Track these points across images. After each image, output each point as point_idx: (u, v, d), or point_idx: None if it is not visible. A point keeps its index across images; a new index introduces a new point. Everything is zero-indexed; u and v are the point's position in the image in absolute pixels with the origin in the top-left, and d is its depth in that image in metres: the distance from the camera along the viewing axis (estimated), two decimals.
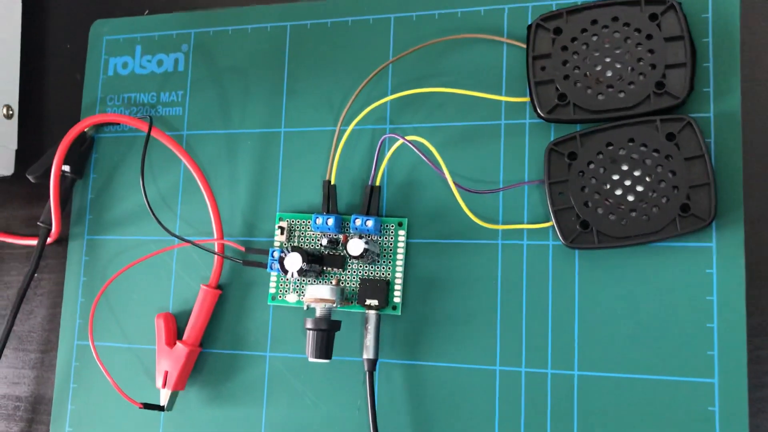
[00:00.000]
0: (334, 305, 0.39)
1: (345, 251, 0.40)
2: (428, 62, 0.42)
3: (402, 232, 0.41)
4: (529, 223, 0.39)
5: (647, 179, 0.37)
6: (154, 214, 0.42)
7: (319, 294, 0.39)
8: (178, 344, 0.43)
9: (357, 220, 0.40)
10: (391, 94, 0.42)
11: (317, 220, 0.41)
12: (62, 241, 0.48)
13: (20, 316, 0.48)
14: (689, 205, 0.36)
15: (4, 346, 0.45)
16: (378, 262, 0.41)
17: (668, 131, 0.37)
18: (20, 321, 0.48)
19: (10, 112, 0.48)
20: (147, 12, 0.49)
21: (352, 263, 0.41)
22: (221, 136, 0.45)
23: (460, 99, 0.41)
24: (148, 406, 0.42)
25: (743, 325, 0.36)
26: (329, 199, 0.42)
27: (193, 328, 0.43)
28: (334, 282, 0.41)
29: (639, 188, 0.37)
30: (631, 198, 0.37)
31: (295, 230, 0.43)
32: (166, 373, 0.42)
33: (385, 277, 0.41)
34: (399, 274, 0.41)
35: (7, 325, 0.46)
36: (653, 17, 0.38)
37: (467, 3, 0.42)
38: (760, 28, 0.38)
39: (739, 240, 0.36)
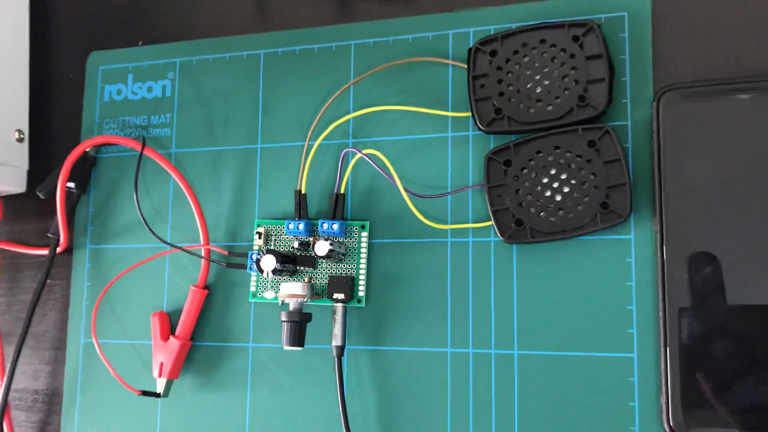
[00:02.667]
0: (306, 300, 0.44)
1: (313, 252, 0.45)
2: (384, 83, 0.47)
3: (364, 234, 0.46)
4: (473, 222, 0.45)
5: (572, 181, 0.42)
6: (147, 225, 0.48)
7: (292, 290, 0.44)
8: (172, 339, 0.48)
9: (324, 224, 0.45)
10: (353, 112, 0.47)
11: (290, 225, 0.46)
12: (70, 250, 0.53)
13: (35, 318, 0.53)
14: (608, 203, 0.41)
15: (22, 345, 0.50)
16: (344, 260, 0.46)
17: (589, 138, 0.42)
18: (36, 323, 0.53)
19: (21, 136, 0.53)
20: (141, 42, 0.54)
21: (322, 262, 0.46)
22: (206, 153, 0.50)
23: (413, 115, 0.46)
24: (146, 393, 0.47)
25: (656, 305, 0.41)
26: (300, 207, 0.47)
27: (184, 324, 0.48)
28: (306, 279, 0.46)
29: (565, 189, 0.42)
30: (558, 198, 0.42)
31: (271, 235, 0.48)
32: (162, 364, 0.47)
33: (351, 273, 0.46)
34: (363, 271, 0.46)
35: (25, 326, 0.50)
36: (576, 38, 0.43)
37: (417, 30, 0.47)
38: (669, 47, 0.43)
39: (653, 232, 0.41)
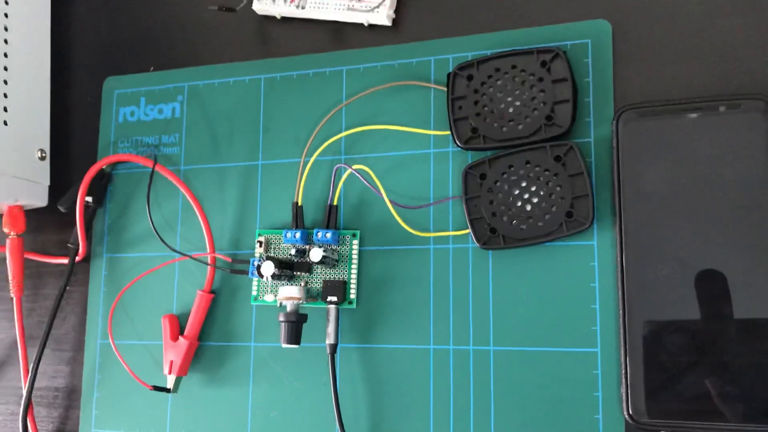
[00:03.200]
0: (302, 302, 0.49)
1: (309, 258, 0.49)
2: (373, 104, 0.52)
3: (355, 242, 0.51)
4: (453, 230, 0.49)
5: (540, 193, 0.46)
6: (158, 235, 0.52)
7: (289, 293, 0.49)
8: (181, 339, 0.52)
9: (319, 233, 0.50)
10: (345, 131, 0.52)
11: (287, 234, 0.50)
12: (88, 259, 0.57)
13: (56, 322, 0.57)
14: (573, 212, 0.45)
15: (44, 347, 0.55)
16: (337, 266, 0.51)
17: (556, 154, 0.46)
18: (56, 326, 0.57)
19: (43, 155, 0.57)
20: (152, 68, 0.59)
21: (317, 268, 0.51)
22: (212, 169, 0.55)
23: (399, 133, 0.51)
24: (157, 388, 0.51)
25: (617, 305, 0.45)
26: (297, 217, 0.51)
27: (192, 326, 0.53)
28: (302, 283, 0.51)
29: (534, 200, 0.46)
30: (528, 208, 0.46)
31: (271, 243, 0.52)
32: (172, 362, 0.52)
33: (343, 278, 0.50)
34: (354, 276, 0.50)
35: (46, 329, 0.54)
36: (543, 64, 0.47)
37: (402, 56, 0.52)
38: (627, 71, 0.47)
39: (614, 238, 0.46)
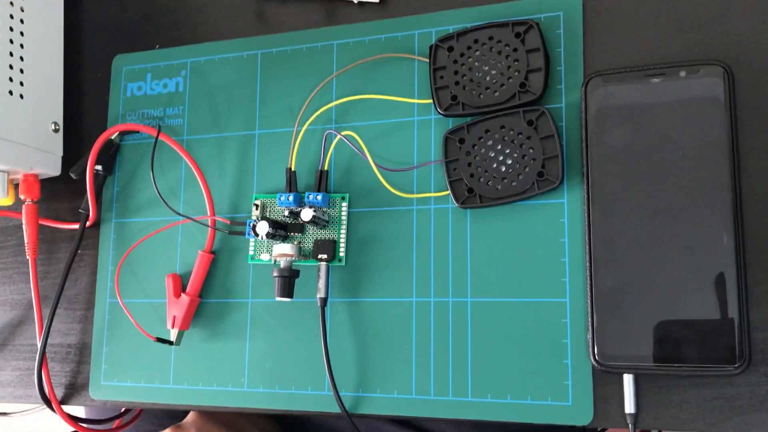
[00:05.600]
0: (294, 258, 0.52)
1: (300, 219, 0.53)
2: (362, 76, 0.55)
3: (344, 204, 0.54)
4: (434, 192, 0.52)
5: (514, 155, 0.50)
6: (163, 200, 0.56)
7: (283, 250, 0.52)
8: (183, 295, 0.56)
9: (310, 196, 0.53)
10: (335, 100, 0.56)
11: (281, 197, 0.54)
12: (98, 224, 0.61)
13: (68, 283, 0.61)
14: (544, 172, 0.49)
15: (57, 306, 0.58)
16: (327, 226, 0.54)
17: (529, 119, 0.50)
18: (68, 287, 0.61)
19: (57, 128, 0.61)
20: (158, 46, 0.63)
21: (309, 228, 0.55)
22: (212, 139, 0.59)
23: (385, 102, 0.54)
24: (160, 339, 0.55)
25: (584, 259, 0.48)
26: (290, 182, 0.55)
27: (193, 283, 0.56)
28: (295, 243, 0.54)
29: (508, 161, 0.50)
30: (503, 169, 0.50)
31: (266, 206, 0.56)
32: (174, 317, 0.56)
33: (333, 237, 0.54)
34: (343, 235, 0.54)
35: (59, 290, 0.58)
36: (518, 35, 0.50)
37: (388, 31, 0.55)
38: (597, 43, 0.50)
39: (582, 196, 0.49)
